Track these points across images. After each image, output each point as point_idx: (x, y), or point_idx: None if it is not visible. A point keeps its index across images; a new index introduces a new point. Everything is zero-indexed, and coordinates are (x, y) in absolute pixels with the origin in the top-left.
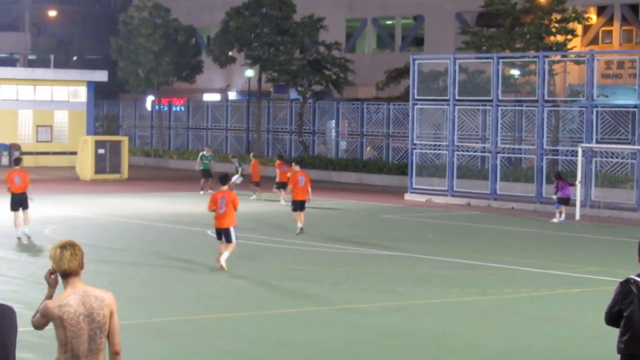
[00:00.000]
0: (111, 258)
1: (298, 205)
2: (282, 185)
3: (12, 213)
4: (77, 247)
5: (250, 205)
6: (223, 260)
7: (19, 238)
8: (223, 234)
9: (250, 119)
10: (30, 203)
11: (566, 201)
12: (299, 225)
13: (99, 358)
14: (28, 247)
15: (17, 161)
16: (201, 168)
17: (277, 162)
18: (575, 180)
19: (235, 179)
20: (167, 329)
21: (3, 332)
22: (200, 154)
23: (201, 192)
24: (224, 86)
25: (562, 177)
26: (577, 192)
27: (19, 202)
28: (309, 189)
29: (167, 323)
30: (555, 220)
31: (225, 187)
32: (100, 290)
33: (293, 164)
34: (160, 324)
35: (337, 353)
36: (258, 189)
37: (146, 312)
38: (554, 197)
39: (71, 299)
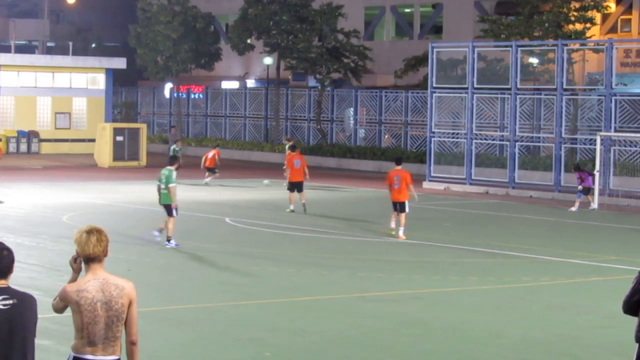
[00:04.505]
0: (129, 245)
1: (295, 186)
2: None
3: None
4: (104, 234)
5: (265, 192)
6: (401, 233)
7: None
8: (398, 206)
9: (268, 107)
10: None
11: (587, 191)
12: (292, 206)
13: (115, 346)
14: (46, 234)
15: None
16: None
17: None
18: (594, 169)
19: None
20: (185, 316)
21: (23, 320)
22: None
23: None
24: (242, 74)
25: (582, 168)
26: (596, 181)
27: None
28: (306, 170)
29: (185, 310)
30: (573, 208)
31: (400, 167)
32: (121, 279)
33: (289, 150)
34: (178, 311)
35: (354, 341)
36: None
37: (164, 299)
38: (580, 187)
39: (90, 285)
